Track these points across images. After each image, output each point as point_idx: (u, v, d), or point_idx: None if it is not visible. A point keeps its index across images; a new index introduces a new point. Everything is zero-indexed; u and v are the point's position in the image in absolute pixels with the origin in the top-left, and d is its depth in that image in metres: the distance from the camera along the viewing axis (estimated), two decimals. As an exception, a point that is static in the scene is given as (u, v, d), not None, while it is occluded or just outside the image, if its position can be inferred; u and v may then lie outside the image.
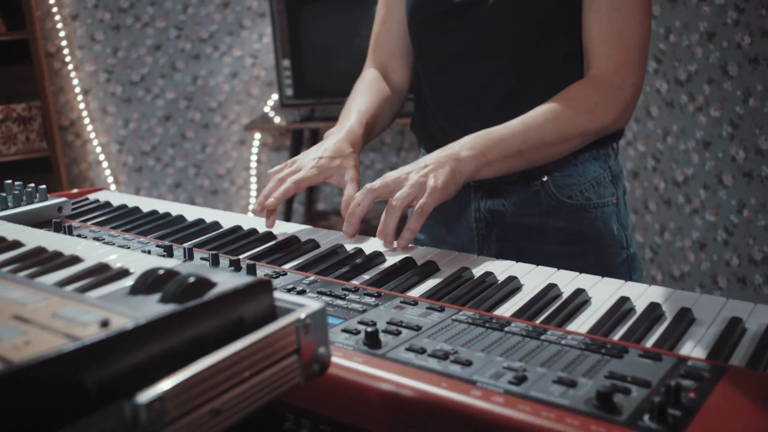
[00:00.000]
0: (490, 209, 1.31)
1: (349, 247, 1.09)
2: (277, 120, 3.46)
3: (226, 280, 0.60)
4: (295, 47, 3.22)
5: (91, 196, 1.46)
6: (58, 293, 0.59)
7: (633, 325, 0.79)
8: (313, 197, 3.83)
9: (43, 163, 3.28)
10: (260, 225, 1.20)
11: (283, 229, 1.19)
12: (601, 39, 1.17)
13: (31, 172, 3.30)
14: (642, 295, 0.88)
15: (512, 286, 0.91)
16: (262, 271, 0.96)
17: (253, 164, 3.81)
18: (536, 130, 1.13)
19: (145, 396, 0.48)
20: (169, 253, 1.03)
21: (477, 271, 0.98)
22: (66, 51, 3.49)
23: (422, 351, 0.71)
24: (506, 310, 0.85)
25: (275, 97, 3.67)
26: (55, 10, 3.42)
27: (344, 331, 0.76)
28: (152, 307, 0.56)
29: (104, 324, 0.52)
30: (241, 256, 1.03)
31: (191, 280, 0.58)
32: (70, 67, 3.51)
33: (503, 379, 0.65)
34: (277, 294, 0.62)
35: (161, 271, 0.61)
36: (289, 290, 0.88)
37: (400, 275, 0.96)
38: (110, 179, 3.69)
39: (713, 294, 2.54)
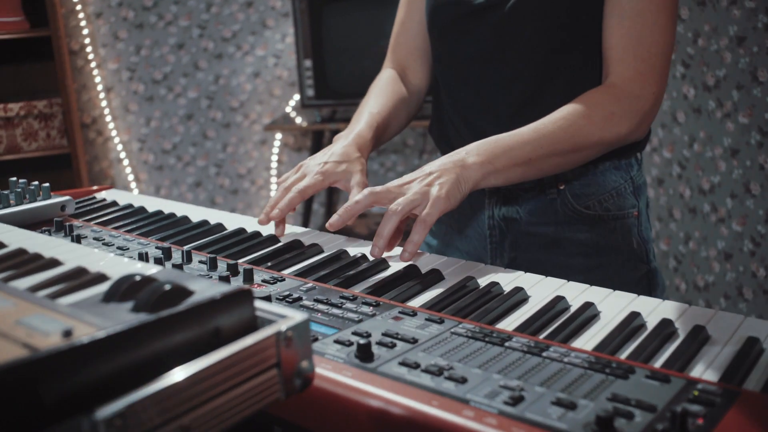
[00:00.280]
0: (504, 216, 1.26)
1: (353, 252, 1.05)
2: (298, 120, 3.43)
3: (203, 288, 0.57)
4: (317, 47, 3.19)
5: (99, 195, 1.44)
6: (29, 299, 0.56)
7: (642, 342, 0.75)
8: (333, 198, 3.80)
9: (63, 160, 3.29)
10: (264, 228, 1.17)
11: (289, 232, 1.16)
12: (621, 46, 1.12)
13: (51, 169, 3.30)
14: (654, 310, 0.83)
15: (518, 297, 0.87)
16: (260, 276, 0.93)
17: (274, 164, 3.79)
18: (548, 138, 1.09)
19: (105, 411, 0.45)
20: (167, 255, 1.01)
21: (483, 281, 0.94)
22: (89, 49, 3.50)
23: (416, 366, 0.67)
24: (509, 323, 0.81)
25: (297, 97, 3.65)
26: (79, 8, 3.43)
27: (336, 342, 0.73)
28: (122, 316, 0.53)
29: (67, 334, 0.49)
30: (240, 261, 1.01)
31: (167, 287, 0.55)
32: (93, 64, 3.52)
33: (498, 398, 0.61)
34: (258, 304, 0.58)
35: (138, 278, 0.58)
36: (284, 297, 0.85)
37: (402, 284, 0.93)
38: (131, 177, 3.70)
39: (738, 306, 2.47)
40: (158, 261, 0.95)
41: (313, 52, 3.20)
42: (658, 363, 0.71)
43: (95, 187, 1.50)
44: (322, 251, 1.08)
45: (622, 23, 1.12)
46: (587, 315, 0.82)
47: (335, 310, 0.81)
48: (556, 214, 1.24)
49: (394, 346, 0.72)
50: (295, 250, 1.07)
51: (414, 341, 0.72)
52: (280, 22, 3.60)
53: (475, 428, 0.57)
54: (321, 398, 0.64)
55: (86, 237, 1.12)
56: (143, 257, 0.97)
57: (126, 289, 0.56)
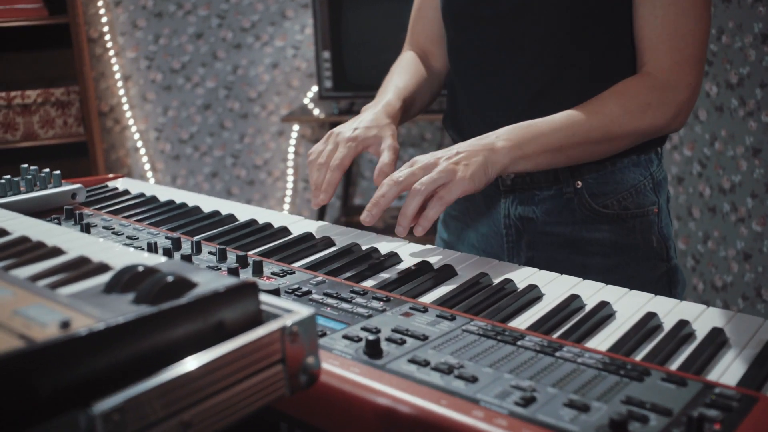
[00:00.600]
0: (520, 216, 1.24)
1: (365, 246, 1.04)
2: (316, 112, 3.42)
3: (207, 280, 0.56)
4: (335, 39, 3.18)
5: (111, 184, 1.43)
6: (28, 288, 0.55)
7: (658, 344, 0.73)
8: (349, 191, 3.79)
9: (79, 148, 3.30)
10: (276, 219, 1.16)
11: (300, 225, 1.15)
12: (655, 36, 1.09)
13: (68, 156, 3.31)
14: (672, 311, 0.81)
15: (532, 295, 0.86)
16: (270, 268, 0.91)
17: (291, 156, 3.78)
18: (581, 126, 1.06)
19: (103, 405, 0.44)
20: (176, 245, 0.99)
21: (496, 278, 0.92)
22: (108, 37, 3.50)
23: (425, 363, 0.65)
24: (522, 321, 0.79)
25: (315, 89, 3.63)
26: (98, -5, 3.44)
27: (345, 337, 0.71)
28: (123, 308, 0.52)
29: (65, 325, 0.47)
30: (250, 252, 0.99)
31: (169, 279, 0.54)
32: (111, 53, 3.52)
33: (509, 399, 0.59)
34: (263, 297, 0.57)
35: (140, 269, 0.57)
36: (293, 290, 0.84)
37: (414, 279, 0.91)
38: (147, 166, 3.70)
39: (756, 307, 2.43)
40: (167, 251, 0.94)
41: (332, 44, 3.18)
42: (674, 365, 0.69)
43: (109, 176, 1.49)
44: (333, 244, 1.06)
45: (655, 12, 1.09)
46: (602, 314, 0.80)
47: (345, 305, 0.80)
48: (574, 214, 1.21)
49: (403, 342, 0.70)
50: (307, 242, 1.05)
51: (424, 338, 0.71)
52: (299, 13, 3.59)
53: (485, 429, 0.55)
54: (328, 395, 0.63)
55: (96, 225, 1.11)
56: (152, 247, 0.96)
57: (128, 280, 0.55)
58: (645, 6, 1.10)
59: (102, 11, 3.45)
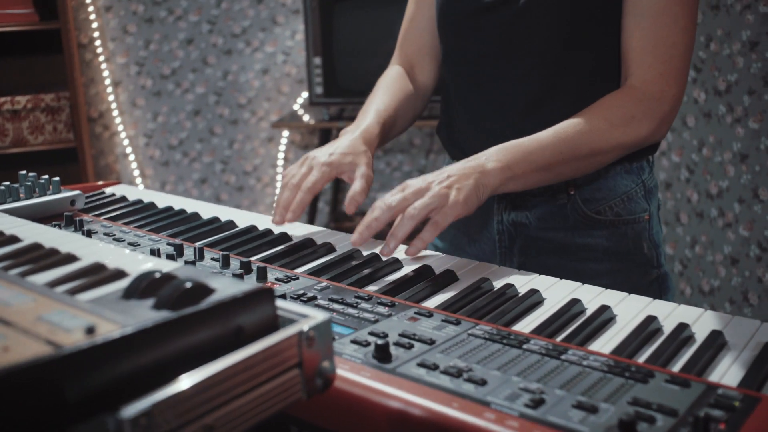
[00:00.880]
0: (513, 221, 1.25)
1: (366, 252, 1.05)
2: (306, 118, 3.43)
3: (225, 286, 0.57)
4: (327, 45, 3.19)
5: (108, 190, 1.44)
6: (48, 294, 0.56)
7: (660, 347, 0.74)
8: (338, 197, 3.80)
9: (69, 154, 3.29)
10: (276, 226, 1.17)
11: (300, 230, 1.16)
12: (641, 47, 1.11)
13: (57, 162, 3.30)
14: (670, 314, 0.83)
15: (533, 300, 0.87)
16: (273, 274, 0.92)
17: (281, 162, 3.79)
18: (567, 142, 1.08)
19: (131, 410, 0.45)
20: (179, 252, 1.00)
21: (497, 283, 0.93)
22: (98, 42, 3.50)
23: (434, 367, 0.67)
24: (526, 325, 0.81)
25: (305, 95, 3.65)
26: (88, 0, 3.43)
27: (353, 342, 0.72)
28: (144, 314, 0.53)
29: (90, 331, 0.48)
30: (252, 258, 1.00)
31: (188, 285, 0.55)
32: (102, 58, 3.52)
33: (519, 401, 0.61)
34: (279, 303, 0.58)
35: (157, 275, 0.57)
36: (299, 296, 0.85)
37: (416, 284, 0.92)
38: (136, 172, 3.70)
39: (743, 311, 2.46)
40: (170, 257, 0.95)
41: (323, 50, 3.19)
42: (676, 367, 0.71)
43: (100, 182, 1.49)
44: (334, 250, 1.07)
45: (641, 23, 1.11)
46: (603, 318, 0.81)
47: (351, 310, 0.81)
48: (566, 220, 1.23)
49: (411, 347, 0.71)
50: (308, 248, 1.07)
51: (431, 342, 0.72)
52: (290, 19, 3.60)
53: (497, 431, 0.57)
54: (339, 399, 0.64)
55: (96, 232, 1.12)
56: (155, 253, 0.97)
57: (146, 286, 0.56)
58: (632, 18, 1.12)
59: (92, 17, 3.45)
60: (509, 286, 0.91)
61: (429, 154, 3.76)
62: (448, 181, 1.00)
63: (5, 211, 1.11)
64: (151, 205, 1.31)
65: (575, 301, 0.85)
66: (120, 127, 3.62)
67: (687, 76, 1.14)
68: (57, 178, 1.23)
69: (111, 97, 3.56)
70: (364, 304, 0.82)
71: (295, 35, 3.62)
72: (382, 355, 0.69)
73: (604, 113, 1.10)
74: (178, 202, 1.31)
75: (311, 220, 3.52)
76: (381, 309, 0.81)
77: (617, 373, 0.66)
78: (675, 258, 2.80)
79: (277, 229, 1.15)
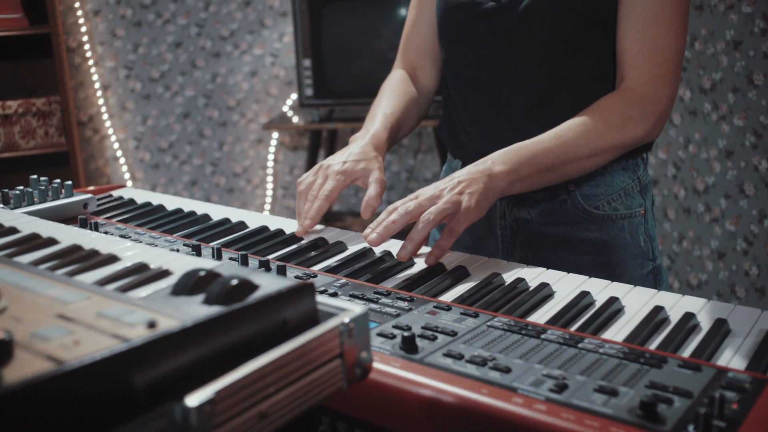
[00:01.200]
0: (515, 217, 1.29)
1: (378, 250, 1.08)
2: (295, 120, 3.46)
3: (268, 282, 0.60)
4: (316, 47, 3.22)
5: (115, 193, 1.46)
6: (100, 292, 0.59)
7: (669, 335, 0.78)
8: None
9: (60, 158, 3.29)
10: (287, 226, 1.20)
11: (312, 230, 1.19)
12: (636, 50, 1.15)
13: (49, 166, 3.30)
14: (676, 304, 0.87)
15: (545, 293, 0.91)
16: (292, 272, 0.96)
17: (270, 163, 3.81)
18: (569, 144, 1.12)
19: (196, 398, 0.48)
20: (197, 252, 1.03)
21: (508, 277, 0.97)
22: (87, 46, 3.51)
23: (460, 357, 0.70)
24: (540, 317, 0.85)
25: (294, 96, 3.67)
26: (77, 5, 3.44)
27: (380, 335, 0.76)
28: (197, 309, 0.56)
29: (151, 325, 0.51)
30: (269, 257, 1.03)
31: (234, 282, 0.58)
32: (91, 62, 3.53)
33: (544, 386, 0.64)
34: (318, 298, 0.61)
35: (202, 273, 0.61)
36: (320, 293, 0.88)
37: (431, 280, 0.96)
38: (127, 175, 3.71)
39: (731, 303, 2.52)
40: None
41: (312, 52, 3.22)
42: (686, 353, 0.75)
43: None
44: (346, 248, 1.11)
45: (636, 28, 1.15)
46: (613, 309, 0.85)
47: (372, 305, 0.84)
48: (567, 215, 1.27)
49: (435, 338, 0.75)
50: (321, 247, 1.10)
51: (453, 334, 0.76)
52: (277, 22, 3.62)
53: (526, 414, 0.60)
54: (371, 388, 0.67)
55: (112, 234, 1.14)
56: (176, 254, 0.99)
57: (195, 284, 0.59)
58: (628, 22, 1.16)
59: (81, 21, 3.45)
60: (520, 280, 0.95)
61: (417, 154, 3.80)
62: (459, 188, 1.04)
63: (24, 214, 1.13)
64: (160, 207, 1.33)
65: (585, 294, 0.89)
66: (110, 131, 3.62)
67: (679, 77, 1.19)
68: (69, 182, 1.25)
69: (101, 101, 3.57)
70: (384, 300, 0.86)
71: (283, 38, 3.64)
72: (410, 346, 0.72)
73: (602, 115, 1.15)
74: (187, 204, 1.34)
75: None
76: (401, 304, 0.84)
77: (632, 359, 0.70)
78: (663, 253, 2.86)
79: (288, 229, 1.18)
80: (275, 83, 3.71)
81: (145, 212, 1.30)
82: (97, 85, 3.56)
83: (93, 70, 3.52)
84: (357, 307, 0.61)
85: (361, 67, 3.24)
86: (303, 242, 1.12)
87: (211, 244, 1.09)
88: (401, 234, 1.06)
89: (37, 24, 3.16)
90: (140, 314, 0.53)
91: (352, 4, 3.22)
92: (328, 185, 1.15)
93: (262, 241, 1.13)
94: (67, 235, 0.77)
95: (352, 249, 1.10)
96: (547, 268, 1.01)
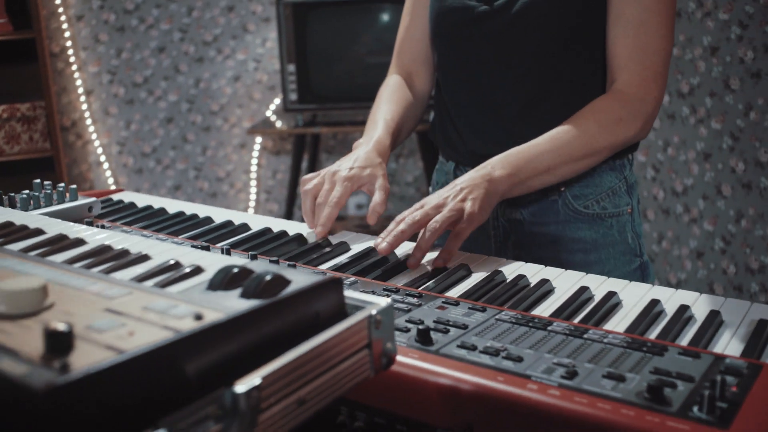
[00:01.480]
0: (508, 218, 1.34)
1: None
2: (278, 124, 3.48)
3: (299, 278, 0.63)
4: (300, 52, 3.25)
5: (114, 197, 1.48)
6: (140, 288, 0.62)
7: (667, 325, 0.83)
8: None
9: (45, 163, 3.29)
10: (290, 227, 1.23)
11: (310, 230, 1.22)
12: (626, 54, 1.20)
13: (34, 172, 3.30)
14: (671, 297, 0.92)
15: (545, 288, 0.95)
16: (302, 271, 0.99)
17: (254, 168, 3.83)
18: (565, 146, 1.17)
19: (244, 385, 0.51)
20: (208, 252, 1.06)
21: (508, 275, 1.01)
22: (70, 51, 3.51)
23: (473, 348, 0.74)
24: (544, 310, 0.89)
25: (277, 101, 3.70)
26: (60, 10, 3.44)
27: (395, 329, 0.79)
28: (236, 302, 0.59)
29: (198, 317, 0.55)
30: (278, 258, 1.06)
31: (269, 277, 0.61)
32: (74, 67, 3.53)
33: (555, 374, 0.69)
34: (346, 292, 0.65)
35: (236, 269, 0.64)
36: (333, 290, 0.91)
37: (435, 277, 1.00)
38: (110, 180, 3.71)
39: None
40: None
41: (296, 57, 3.25)
42: (684, 342, 0.80)
43: (110, 189, 1.54)
44: (349, 248, 1.14)
45: (626, 32, 1.20)
46: (612, 303, 0.90)
47: (384, 301, 0.88)
48: (557, 214, 1.31)
49: (447, 331, 0.79)
50: (325, 247, 1.13)
51: (465, 327, 0.80)
52: (260, 27, 3.65)
53: (542, 400, 0.64)
54: (390, 378, 0.71)
55: (120, 236, 1.17)
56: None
57: (230, 279, 0.62)
58: (617, 27, 1.21)
59: (64, 26, 3.45)
60: (521, 277, 0.99)
61: (399, 158, 3.85)
62: (462, 194, 1.08)
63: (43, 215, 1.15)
64: (162, 210, 1.36)
65: (584, 289, 0.94)
66: (93, 136, 3.63)
67: (666, 79, 1.24)
68: (74, 186, 1.27)
69: (84, 106, 3.57)
70: (394, 296, 0.89)
71: (265, 43, 3.67)
72: (425, 338, 0.76)
73: (594, 116, 1.20)
74: (188, 207, 1.37)
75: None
76: (411, 299, 0.88)
77: (635, 348, 0.74)
78: (642, 253, 2.93)
79: (291, 231, 1.21)
80: (258, 88, 3.73)
81: (148, 215, 1.33)
82: (80, 90, 3.56)
83: (76, 75, 3.53)
84: (382, 301, 0.64)
85: (345, 72, 3.28)
86: (308, 244, 1.16)
87: (218, 245, 1.12)
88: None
89: (21, 29, 3.16)
90: (185, 307, 0.57)
91: (335, 10, 3.26)
92: (336, 192, 1.18)
93: (267, 242, 1.16)
94: (94, 236, 0.80)
95: (355, 249, 1.14)
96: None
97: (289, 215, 3.60)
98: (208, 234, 1.20)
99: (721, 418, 0.61)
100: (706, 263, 2.59)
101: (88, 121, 3.61)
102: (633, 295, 0.93)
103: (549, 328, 0.79)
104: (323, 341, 0.58)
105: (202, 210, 1.35)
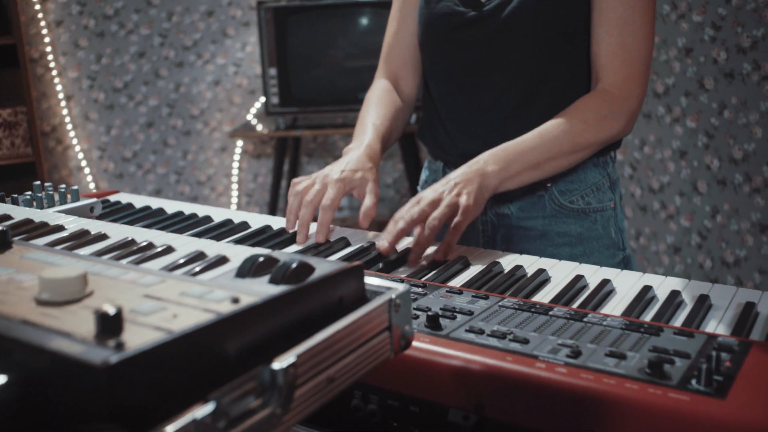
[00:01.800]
0: (496, 213, 1.38)
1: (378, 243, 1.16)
2: (259, 128, 3.51)
3: (322, 265, 0.67)
4: (281, 56, 3.28)
5: (111, 198, 1.50)
6: (173, 276, 0.65)
7: (660, 309, 0.88)
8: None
9: (27, 168, 3.29)
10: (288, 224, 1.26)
11: (311, 228, 1.25)
12: (610, 54, 1.25)
13: (16, 177, 3.30)
14: (661, 284, 0.97)
15: (542, 277, 1.00)
16: (309, 265, 1.02)
17: (235, 171, 3.85)
18: (553, 142, 1.22)
19: (282, 362, 0.55)
20: (214, 249, 1.09)
21: (506, 265, 1.06)
22: (50, 57, 3.50)
23: (481, 332, 0.78)
24: (543, 297, 0.93)
25: (258, 105, 3.72)
26: (40, 16, 3.44)
27: (404, 315, 0.83)
28: (266, 288, 0.62)
29: (235, 300, 0.58)
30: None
31: (295, 264, 0.65)
32: (54, 73, 3.53)
33: (561, 353, 0.73)
34: (365, 278, 0.69)
35: (262, 258, 0.67)
36: (340, 281, 0.95)
37: (436, 269, 1.04)
38: (92, 185, 3.71)
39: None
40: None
41: (277, 61, 3.28)
42: (677, 323, 0.84)
43: (106, 191, 1.56)
44: (350, 243, 1.18)
45: (609, 33, 1.25)
46: (606, 290, 0.95)
47: (391, 291, 0.91)
48: (544, 209, 1.36)
49: (455, 317, 0.83)
50: (326, 243, 1.17)
51: (470, 313, 0.84)
52: (240, 31, 3.67)
53: (550, 377, 0.69)
54: (403, 361, 0.75)
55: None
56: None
57: (257, 267, 0.66)
58: (601, 28, 1.26)
59: (44, 31, 3.45)
60: (518, 267, 1.04)
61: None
62: (456, 189, 1.12)
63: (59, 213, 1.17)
64: (161, 210, 1.38)
65: (579, 277, 0.98)
66: (74, 141, 3.62)
67: (648, 77, 1.29)
68: (75, 187, 1.30)
69: (64, 111, 3.57)
70: (400, 286, 0.93)
71: (245, 47, 3.69)
72: (434, 324, 0.80)
73: (580, 114, 1.24)
74: (186, 207, 1.39)
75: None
76: (416, 289, 0.92)
77: (633, 329, 0.79)
78: (620, 250, 2.99)
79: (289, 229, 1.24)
80: (238, 92, 3.75)
81: (147, 215, 1.35)
82: (60, 96, 3.56)
83: (56, 80, 3.52)
84: (401, 286, 0.68)
85: (325, 76, 3.32)
86: (309, 240, 1.19)
87: (221, 242, 1.15)
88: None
89: (1, 34, 3.15)
90: (221, 292, 0.60)
91: (315, 14, 3.29)
92: (329, 194, 1.20)
93: (269, 239, 1.19)
94: (116, 231, 0.83)
95: (355, 244, 1.17)
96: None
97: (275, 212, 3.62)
98: (208, 232, 1.23)
99: (718, 389, 0.65)
100: (683, 258, 2.66)
101: (69, 127, 3.60)
102: (625, 282, 0.98)
103: (550, 313, 0.84)
104: (350, 323, 0.61)
105: (200, 209, 1.38)
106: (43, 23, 3.45)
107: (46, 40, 3.47)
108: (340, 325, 0.61)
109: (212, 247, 0.74)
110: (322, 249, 1.14)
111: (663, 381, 0.67)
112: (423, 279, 0.98)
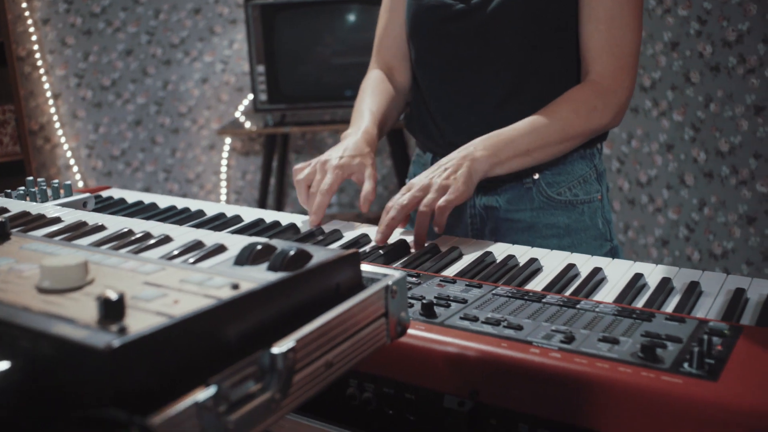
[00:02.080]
0: (484, 205, 1.39)
1: (373, 235, 1.16)
2: (248, 125, 3.51)
3: (319, 252, 0.68)
4: (269, 53, 3.28)
5: (103, 194, 1.50)
6: (172, 264, 0.65)
7: (651, 295, 0.89)
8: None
9: (16, 166, 3.27)
10: (282, 218, 1.27)
11: (303, 220, 1.26)
12: (599, 47, 1.27)
13: (5, 175, 3.28)
14: (652, 272, 0.98)
15: (534, 266, 1.01)
16: (303, 256, 1.03)
17: (223, 169, 3.85)
18: (542, 130, 1.23)
19: (281, 346, 0.56)
20: (208, 242, 1.10)
21: (498, 255, 1.07)
22: (37, 55, 3.49)
23: (475, 319, 0.79)
24: (536, 285, 0.94)
25: (246, 102, 3.72)
26: (27, 14, 3.42)
27: (399, 304, 0.84)
28: (265, 275, 0.63)
29: (235, 286, 0.59)
30: (277, 244, 1.10)
31: (293, 251, 0.66)
32: (41, 71, 3.51)
33: (555, 339, 0.74)
34: (362, 265, 0.70)
35: (259, 246, 0.68)
36: (335, 272, 0.96)
37: (430, 259, 1.05)
38: (80, 184, 3.69)
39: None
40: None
41: (266, 58, 3.28)
42: (669, 309, 0.86)
43: (98, 186, 1.56)
44: (342, 236, 1.19)
45: (598, 27, 1.27)
46: (598, 278, 0.96)
47: (385, 281, 0.92)
48: (532, 201, 1.37)
49: (449, 305, 0.84)
50: (320, 235, 1.18)
51: (464, 301, 0.85)
52: (227, 29, 3.67)
53: (544, 362, 0.70)
54: (398, 349, 0.76)
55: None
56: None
57: (256, 254, 0.67)
58: (590, 22, 1.28)
59: (31, 29, 3.44)
60: (510, 256, 1.05)
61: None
62: (446, 173, 1.14)
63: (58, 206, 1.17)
64: (153, 205, 1.39)
65: (571, 266, 0.99)
66: (62, 139, 3.61)
67: (637, 69, 1.31)
68: (68, 182, 1.30)
69: (52, 110, 3.56)
70: (394, 276, 0.94)
71: (233, 45, 3.69)
72: (429, 312, 0.81)
73: (570, 105, 1.26)
74: (179, 202, 1.40)
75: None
76: (411, 279, 0.93)
77: (625, 315, 0.80)
78: (609, 244, 3.02)
79: (284, 221, 1.25)
80: (226, 89, 3.75)
81: (141, 209, 1.35)
82: (48, 94, 3.54)
83: (44, 78, 3.51)
84: (397, 273, 0.69)
85: (312, 73, 3.32)
86: (302, 233, 1.20)
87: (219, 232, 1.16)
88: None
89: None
90: (221, 279, 0.61)
91: (303, 11, 3.30)
92: (327, 179, 1.22)
93: (261, 232, 1.19)
94: (112, 222, 0.83)
95: (348, 236, 1.18)
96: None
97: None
98: (202, 226, 1.23)
99: (710, 372, 0.67)
100: (671, 251, 2.69)
101: (57, 125, 3.59)
102: (616, 270, 0.99)
103: (543, 300, 0.85)
104: (347, 309, 0.62)
105: (192, 204, 1.38)
106: (30, 21, 3.43)
107: (34, 38, 3.46)
108: (337, 310, 0.61)
109: (210, 237, 0.75)
110: (317, 241, 1.14)
111: (656, 365, 0.68)
112: (418, 269, 0.99)
